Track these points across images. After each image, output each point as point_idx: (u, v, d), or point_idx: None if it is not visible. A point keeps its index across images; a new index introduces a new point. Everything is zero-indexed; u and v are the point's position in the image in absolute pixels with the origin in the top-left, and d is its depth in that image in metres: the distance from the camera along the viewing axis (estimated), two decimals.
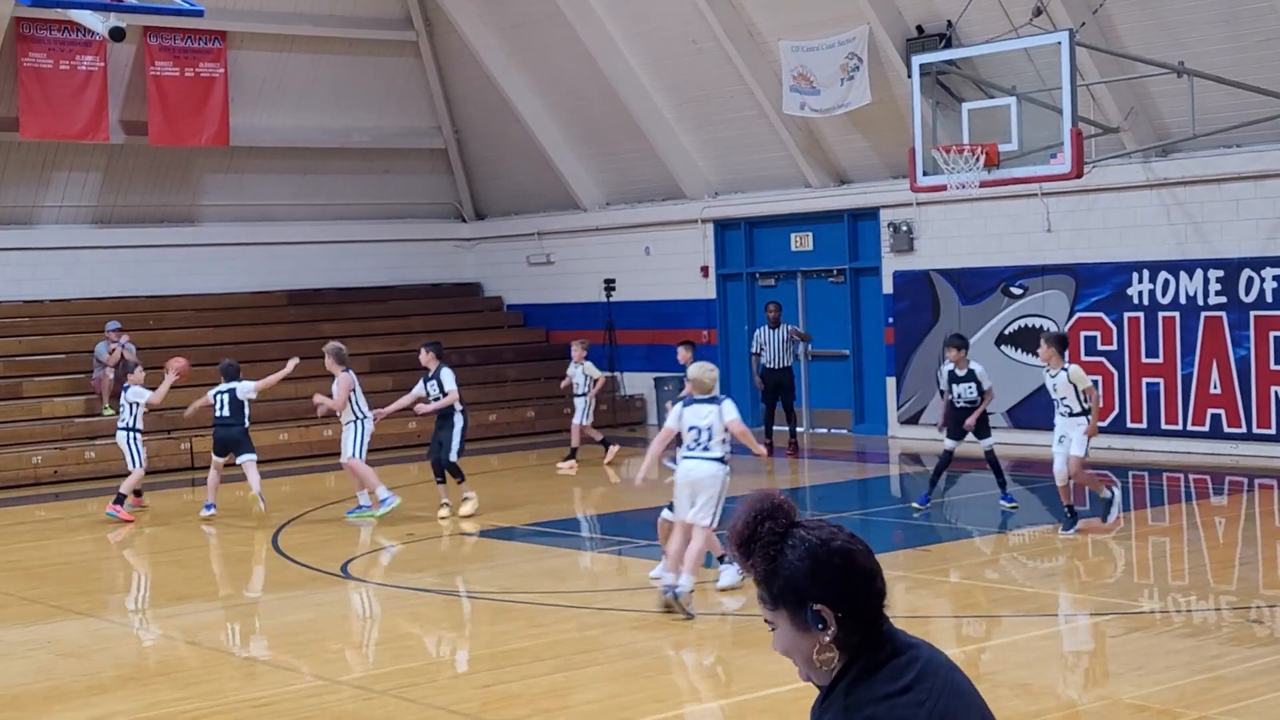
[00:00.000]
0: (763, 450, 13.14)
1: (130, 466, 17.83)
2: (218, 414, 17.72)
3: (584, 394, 21.59)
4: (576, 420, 21.58)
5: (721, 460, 11.89)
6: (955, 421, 16.08)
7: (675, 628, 11.42)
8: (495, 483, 19.60)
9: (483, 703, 9.39)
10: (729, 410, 12.02)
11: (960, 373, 16.07)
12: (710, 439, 11.86)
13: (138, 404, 17.97)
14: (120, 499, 17.56)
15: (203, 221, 27.78)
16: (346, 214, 29.16)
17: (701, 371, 12.25)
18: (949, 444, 16.14)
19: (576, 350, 22.04)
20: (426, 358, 17.27)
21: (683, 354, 19.28)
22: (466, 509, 16.68)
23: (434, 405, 16.98)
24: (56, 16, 22.23)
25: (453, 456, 16.79)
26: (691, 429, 11.95)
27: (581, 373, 21.67)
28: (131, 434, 17.91)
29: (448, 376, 17.03)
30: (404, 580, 13.69)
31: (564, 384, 22.03)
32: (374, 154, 28.97)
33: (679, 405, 12.18)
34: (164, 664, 11.23)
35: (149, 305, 26.42)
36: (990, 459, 16.15)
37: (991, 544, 14.69)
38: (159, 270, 26.96)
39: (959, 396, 16.09)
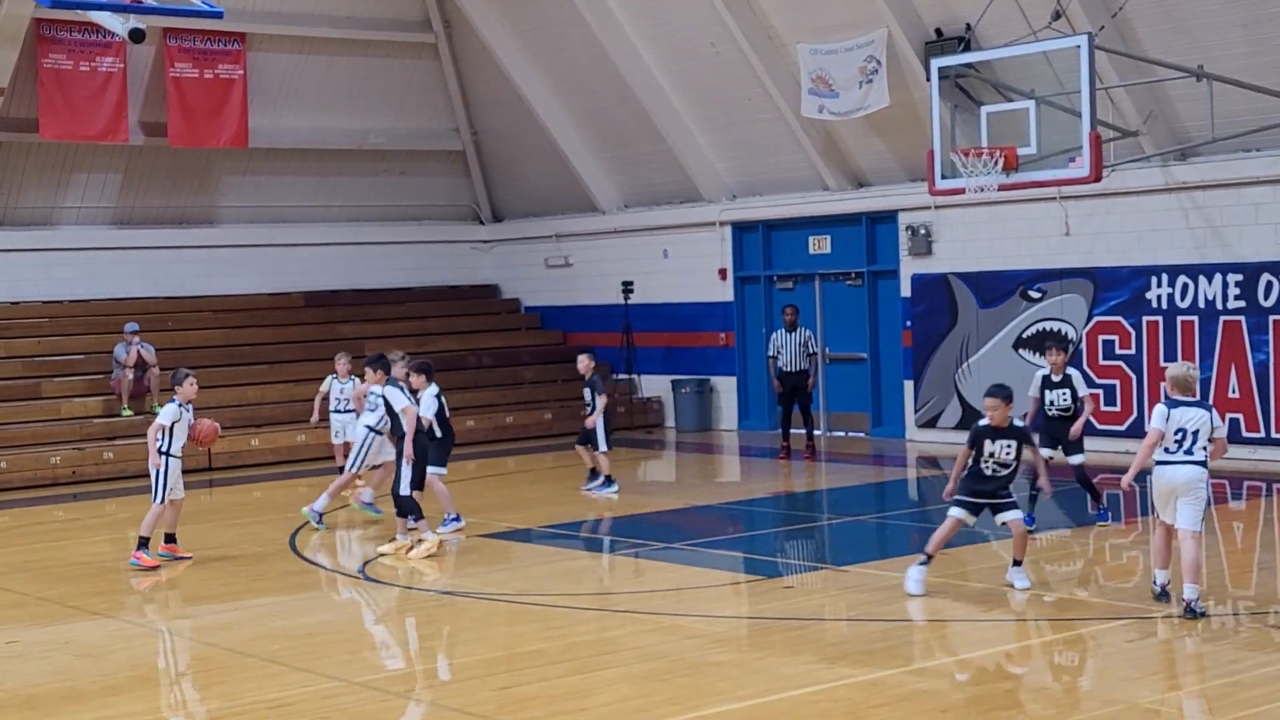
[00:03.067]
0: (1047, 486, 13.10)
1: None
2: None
3: (353, 411, 19.72)
4: (345, 438, 19.69)
5: (1204, 464, 11.42)
6: (1046, 430, 15.12)
7: (693, 630, 11.42)
8: (511, 484, 19.60)
9: (499, 705, 9.39)
10: (1219, 421, 11.58)
11: (1056, 378, 15.31)
12: (1195, 443, 11.36)
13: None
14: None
15: (221, 223, 27.85)
16: (364, 216, 29.23)
17: (1186, 370, 11.68)
18: (1045, 453, 14.70)
19: (342, 365, 20.24)
20: (374, 377, 15.18)
21: (585, 363, 18.92)
22: (419, 552, 14.62)
23: (407, 448, 14.76)
24: (76, 18, 22.31)
25: (403, 490, 14.73)
26: (1178, 431, 11.39)
27: (351, 389, 19.89)
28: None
29: (393, 395, 14.89)
30: (421, 582, 13.70)
31: (318, 400, 20.28)
32: (392, 156, 29.02)
33: (1161, 405, 11.50)
34: (181, 665, 11.26)
35: (167, 306, 26.51)
36: (1080, 475, 15.37)
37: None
38: (177, 271, 27.05)
39: (1051, 404, 15.32)
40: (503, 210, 30.52)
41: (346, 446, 19.88)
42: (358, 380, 19.95)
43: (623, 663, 10.38)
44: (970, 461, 12.27)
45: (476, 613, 12.51)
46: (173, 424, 14.49)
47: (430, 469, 15.41)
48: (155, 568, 14.43)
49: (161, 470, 14.51)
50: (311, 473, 22.00)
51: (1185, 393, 11.52)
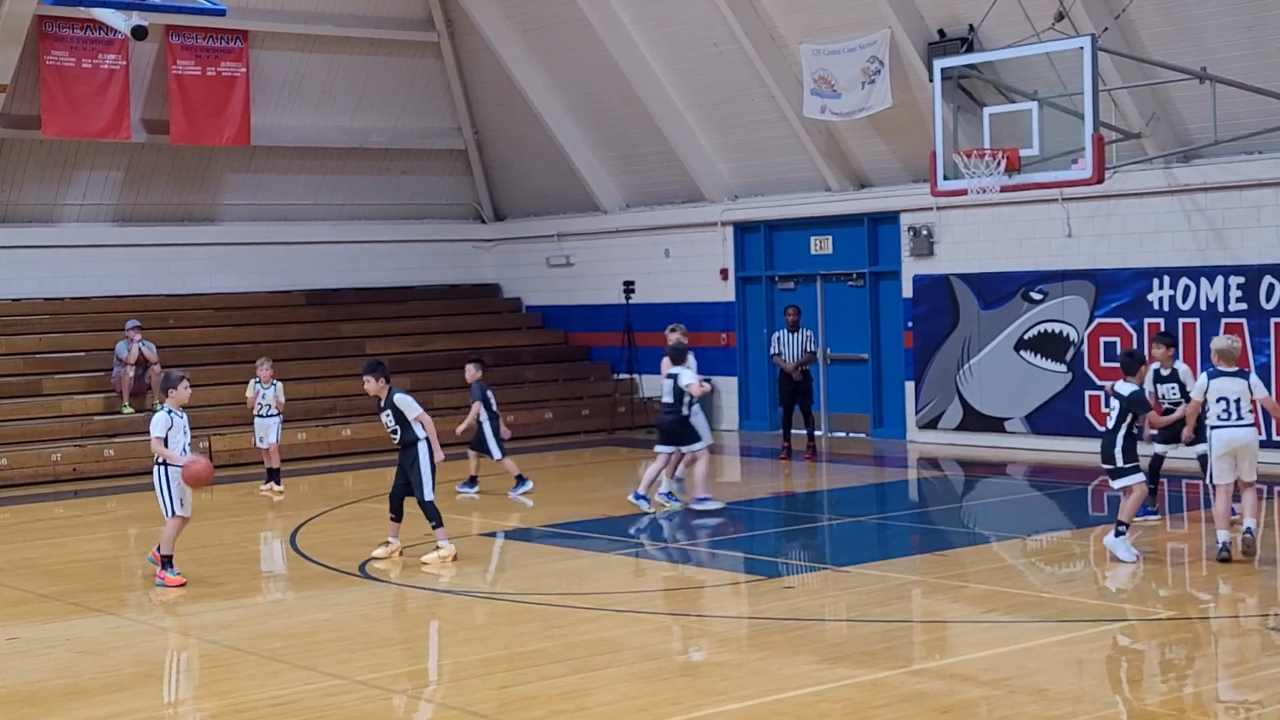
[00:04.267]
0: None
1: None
2: (662, 399, 17.29)
3: (277, 415, 19.86)
4: (270, 441, 19.75)
5: (1252, 426, 13.12)
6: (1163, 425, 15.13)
7: (692, 630, 11.42)
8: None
9: (500, 704, 9.40)
10: (1259, 385, 13.21)
11: (1164, 372, 15.40)
12: (1240, 408, 13.05)
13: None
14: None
15: (223, 221, 27.86)
16: (366, 214, 29.23)
17: (1230, 344, 13.31)
18: (1158, 449, 15.41)
19: (265, 370, 19.87)
20: (375, 386, 14.27)
21: (471, 372, 18.79)
22: (433, 557, 14.25)
23: (439, 453, 14.27)
24: (79, 15, 22.33)
25: (428, 495, 14.21)
26: (1220, 400, 13.10)
27: (273, 394, 19.82)
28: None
29: (406, 403, 14.24)
30: (421, 581, 13.70)
31: (250, 403, 19.94)
32: (394, 154, 29.02)
33: (1203, 376, 13.36)
34: (182, 662, 11.26)
35: (169, 304, 26.52)
36: (1155, 465, 15.42)
37: (1009, 549, 14.66)
38: (179, 269, 27.06)
39: (1163, 398, 15.32)
40: (504, 209, 30.52)
41: (270, 451, 19.84)
42: (279, 385, 19.96)
43: (623, 662, 10.38)
44: (1128, 431, 13.39)
45: (477, 612, 12.52)
46: (166, 434, 13.44)
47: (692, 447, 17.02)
48: (182, 584, 13.56)
49: (164, 481, 13.56)
50: (311, 471, 22.02)
51: (1228, 363, 13.14)
